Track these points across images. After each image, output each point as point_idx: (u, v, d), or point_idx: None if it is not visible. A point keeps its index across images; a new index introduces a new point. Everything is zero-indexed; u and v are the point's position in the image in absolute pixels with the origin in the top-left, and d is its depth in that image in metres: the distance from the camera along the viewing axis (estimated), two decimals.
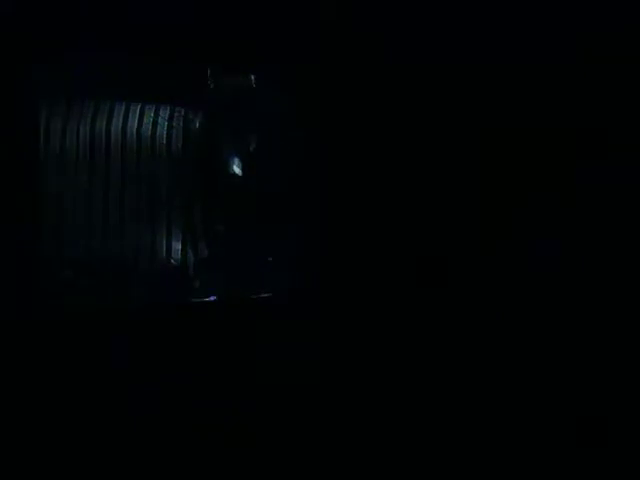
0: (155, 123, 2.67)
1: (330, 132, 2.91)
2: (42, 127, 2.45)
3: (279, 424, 2.51)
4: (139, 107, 2.65)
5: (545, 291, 2.72)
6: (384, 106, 2.89)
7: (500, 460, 2.49)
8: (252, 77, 2.88)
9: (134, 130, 2.63)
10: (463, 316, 2.78)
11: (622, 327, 2.63)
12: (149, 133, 2.65)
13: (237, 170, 2.90)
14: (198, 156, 2.77)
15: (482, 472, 2.47)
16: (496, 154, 2.83)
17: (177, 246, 2.74)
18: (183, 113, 2.73)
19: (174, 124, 2.70)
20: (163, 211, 2.71)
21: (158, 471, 2.29)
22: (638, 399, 2.54)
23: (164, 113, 2.69)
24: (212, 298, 2.79)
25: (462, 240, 2.86)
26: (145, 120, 2.65)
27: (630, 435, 2.49)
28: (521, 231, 2.80)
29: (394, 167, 2.93)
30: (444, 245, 2.87)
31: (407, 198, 2.91)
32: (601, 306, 2.66)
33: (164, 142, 2.69)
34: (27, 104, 2.30)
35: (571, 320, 2.67)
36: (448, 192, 2.90)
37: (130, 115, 2.63)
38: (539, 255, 2.72)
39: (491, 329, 2.75)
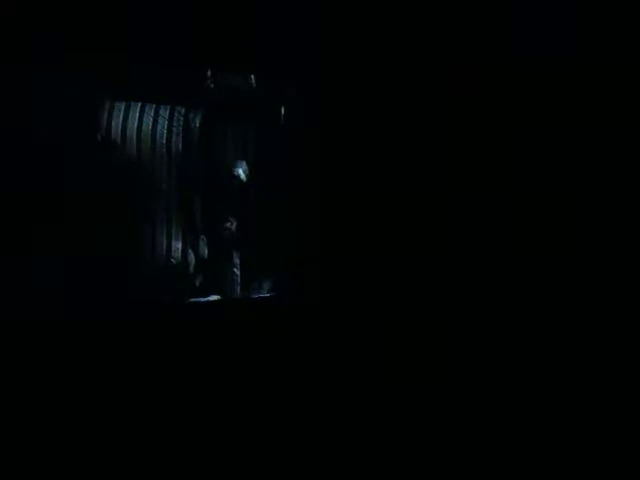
0: (155, 123, 2.67)
1: (328, 132, 2.93)
2: (42, 127, 2.44)
3: (278, 423, 2.51)
4: (139, 107, 2.65)
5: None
6: (383, 106, 2.91)
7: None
8: (252, 77, 2.88)
9: (134, 130, 2.63)
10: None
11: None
12: (149, 133, 2.66)
13: (240, 172, 2.91)
14: (198, 156, 2.78)
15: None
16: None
17: (177, 245, 2.75)
18: (183, 113, 2.73)
19: (174, 124, 2.71)
20: (163, 210, 2.71)
21: (162, 469, 2.30)
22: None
23: (164, 113, 2.69)
24: (212, 298, 2.80)
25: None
26: (145, 120, 2.65)
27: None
28: None
29: (393, 169, 2.95)
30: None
31: (402, 200, 2.94)
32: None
33: (164, 142, 2.69)
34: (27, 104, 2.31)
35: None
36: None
37: (130, 115, 2.63)
38: None
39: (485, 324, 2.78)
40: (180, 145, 2.74)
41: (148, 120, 2.66)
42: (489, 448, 2.49)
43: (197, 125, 2.77)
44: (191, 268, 2.79)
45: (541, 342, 2.74)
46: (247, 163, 2.92)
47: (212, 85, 2.80)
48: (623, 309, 2.67)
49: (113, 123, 2.59)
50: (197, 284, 2.80)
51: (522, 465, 2.45)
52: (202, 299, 2.80)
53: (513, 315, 2.77)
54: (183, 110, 2.74)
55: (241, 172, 2.91)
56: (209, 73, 2.78)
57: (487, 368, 2.72)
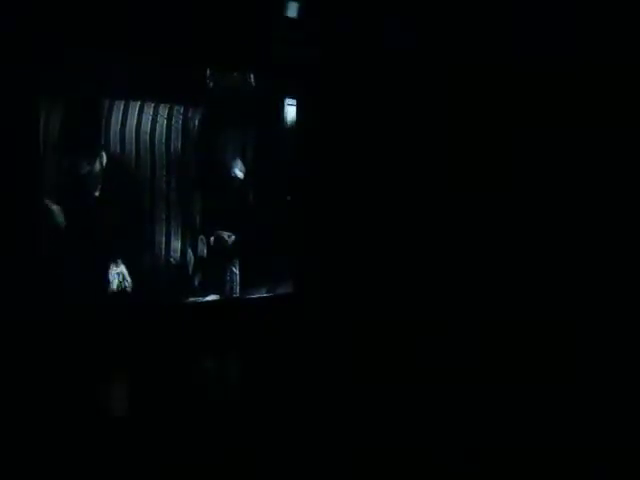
0: (154, 122, 2.67)
1: (327, 133, 2.94)
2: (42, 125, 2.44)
3: (277, 421, 2.51)
4: (138, 106, 2.64)
5: None
6: (384, 105, 2.92)
7: None
8: (251, 77, 2.89)
9: (133, 129, 2.63)
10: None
11: None
12: (148, 132, 2.65)
13: (238, 172, 2.91)
14: (197, 155, 2.78)
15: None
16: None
17: (177, 245, 2.75)
18: (182, 112, 2.73)
19: (173, 123, 2.71)
20: (163, 210, 2.72)
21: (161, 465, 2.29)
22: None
23: (163, 112, 2.69)
24: (211, 298, 2.81)
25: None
26: (144, 119, 2.65)
27: None
28: None
29: (390, 173, 2.96)
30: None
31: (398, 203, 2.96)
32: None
33: (163, 141, 2.69)
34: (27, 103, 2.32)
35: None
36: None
37: (129, 114, 2.62)
38: None
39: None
40: (179, 145, 2.73)
41: (147, 119, 2.65)
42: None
43: (196, 125, 2.77)
44: (190, 268, 2.79)
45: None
46: (246, 163, 2.92)
47: (212, 84, 2.80)
48: None
49: (112, 122, 2.59)
50: (197, 284, 2.80)
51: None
52: (202, 299, 2.80)
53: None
54: (182, 109, 2.73)
55: (241, 172, 2.91)
56: (209, 73, 2.78)
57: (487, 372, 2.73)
